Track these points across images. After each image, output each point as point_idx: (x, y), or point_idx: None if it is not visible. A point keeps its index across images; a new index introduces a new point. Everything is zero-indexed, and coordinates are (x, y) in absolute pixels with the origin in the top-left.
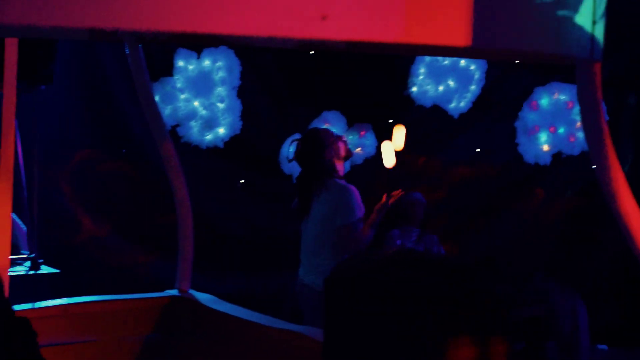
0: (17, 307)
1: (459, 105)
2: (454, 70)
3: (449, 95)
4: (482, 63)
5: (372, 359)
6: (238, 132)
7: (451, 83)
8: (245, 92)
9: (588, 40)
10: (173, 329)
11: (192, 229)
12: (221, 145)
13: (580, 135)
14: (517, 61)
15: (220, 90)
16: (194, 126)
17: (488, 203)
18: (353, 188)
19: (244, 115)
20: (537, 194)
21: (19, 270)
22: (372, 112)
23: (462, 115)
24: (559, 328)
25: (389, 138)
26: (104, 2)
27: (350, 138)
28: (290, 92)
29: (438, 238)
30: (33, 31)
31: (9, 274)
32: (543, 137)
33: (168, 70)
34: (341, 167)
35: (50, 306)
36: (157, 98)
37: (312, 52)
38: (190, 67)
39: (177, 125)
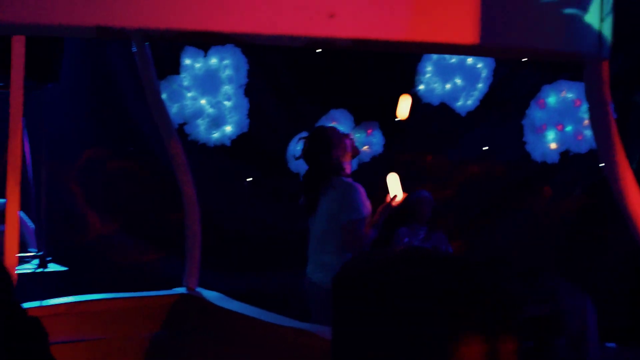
0: (24, 305)
1: (466, 103)
2: (461, 69)
3: (456, 93)
4: (490, 61)
5: (381, 356)
6: (245, 130)
7: (458, 81)
8: (253, 90)
9: (596, 38)
10: (181, 327)
11: (200, 226)
12: (228, 143)
13: (588, 133)
14: (525, 59)
15: (227, 88)
16: (201, 124)
17: (496, 201)
18: (359, 186)
19: (251, 114)
20: (545, 192)
21: (27, 268)
22: (379, 110)
23: (470, 114)
24: (567, 326)
25: (396, 135)
26: (111, 0)
27: (358, 136)
28: (298, 90)
29: (446, 236)
30: (40, 29)
31: (17, 271)
32: (551, 135)
33: (175, 68)
34: (348, 165)
35: (58, 304)
36: (164, 96)
37: (319, 51)
38: (197, 65)
39: (184, 124)
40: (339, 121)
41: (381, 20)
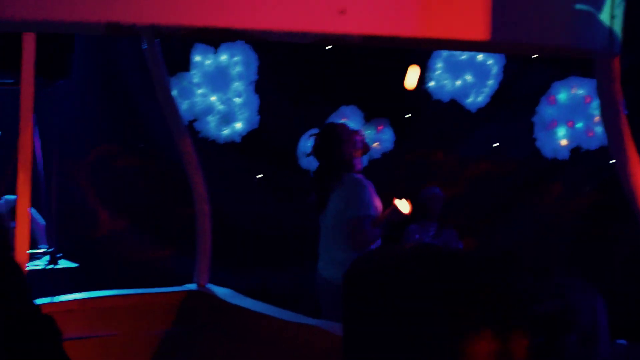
0: (35, 302)
1: (476, 100)
2: (472, 65)
3: (466, 90)
4: (500, 58)
5: (392, 352)
6: (255, 126)
7: (468, 78)
8: (263, 87)
9: (607, 34)
10: (192, 323)
11: (210, 223)
12: (238, 140)
13: (599, 129)
14: (535, 56)
15: (238, 85)
16: (211, 121)
17: (506, 198)
18: (368, 183)
19: (261, 110)
20: (556, 189)
21: (38, 264)
22: (390, 106)
23: (480, 110)
24: (578, 323)
25: (407, 132)
26: None
27: (368, 133)
28: (308, 87)
29: (456, 233)
30: (51, 26)
31: (28, 268)
32: (561, 131)
33: (185, 65)
34: (359, 161)
35: (68, 300)
36: (174, 93)
37: (329, 47)
38: (208, 62)
39: (195, 120)
40: (349, 118)
41: (392, 16)
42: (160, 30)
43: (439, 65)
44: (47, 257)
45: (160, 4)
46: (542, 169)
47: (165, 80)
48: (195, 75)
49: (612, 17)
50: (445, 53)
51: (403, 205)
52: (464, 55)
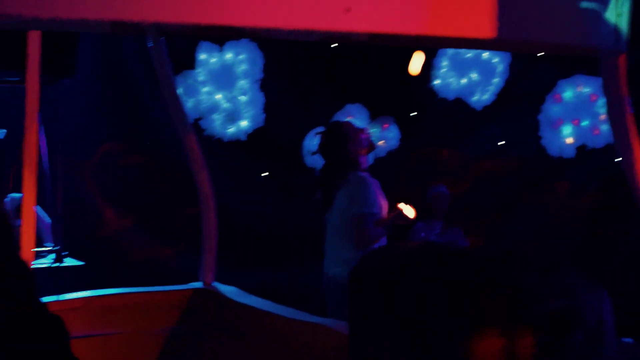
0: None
1: (482, 98)
2: (477, 63)
3: (472, 88)
4: (506, 56)
5: (398, 351)
6: (261, 125)
7: (474, 76)
8: (268, 85)
9: (612, 32)
10: (197, 321)
11: (216, 221)
12: (244, 138)
13: (605, 127)
14: (541, 54)
15: (243, 83)
16: (217, 119)
17: (512, 196)
18: (374, 181)
19: (267, 108)
20: (561, 187)
21: (43, 262)
22: (395, 104)
23: (486, 108)
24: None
25: (412, 130)
26: None
27: (373, 131)
28: (313, 85)
29: (462, 231)
30: (56, 24)
31: (34, 266)
32: (567, 130)
33: (190, 63)
34: (364, 159)
35: (74, 298)
36: (179, 91)
37: (334, 45)
38: (213, 60)
39: (200, 118)
40: (355, 116)
41: (397, 14)
42: (165, 28)
43: (444, 63)
44: (53, 255)
45: (166, 2)
46: (547, 167)
47: (171, 78)
48: (200, 74)
49: (618, 14)
50: (450, 51)
51: (408, 210)
52: (470, 54)
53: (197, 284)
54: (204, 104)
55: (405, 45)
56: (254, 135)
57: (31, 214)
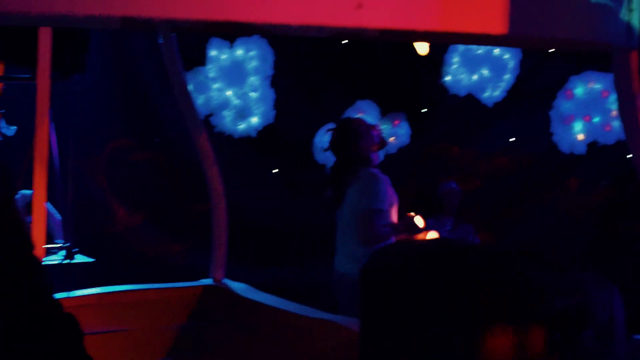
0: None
1: (493, 94)
2: (488, 59)
3: (483, 84)
4: (517, 52)
5: (409, 348)
6: (271, 121)
7: (485, 72)
8: (279, 81)
9: (624, 28)
10: (208, 318)
11: (226, 218)
12: (254, 134)
13: (616, 124)
14: (552, 50)
15: (253, 79)
16: (227, 115)
17: (523, 192)
18: (384, 177)
19: (277, 105)
20: (573, 184)
21: (54, 259)
22: (406, 101)
23: (497, 105)
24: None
25: (423, 126)
26: None
27: (384, 127)
28: (324, 81)
29: (473, 227)
30: (66, 20)
31: (44, 263)
32: (578, 126)
33: (201, 59)
34: (376, 156)
35: (84, 295)
36: (190, 87)
37: (345, 41)
38: (223, 56)
39: (210, 115)
40: (366, 112)
41: (409, 10)
42: (176, 24)
43: (455, 60)
44: (64, 252)
45: None
46: (558, 164)
47: (181, 74)
48: (211, 70)
49: (630, 10)
50: (461, 47)
51: (418, 220)
52: (481, 50)
53: (208, 281)
54: (214, 100)
55: (417, 42)
56: (265, 131)
57: (42, 211)
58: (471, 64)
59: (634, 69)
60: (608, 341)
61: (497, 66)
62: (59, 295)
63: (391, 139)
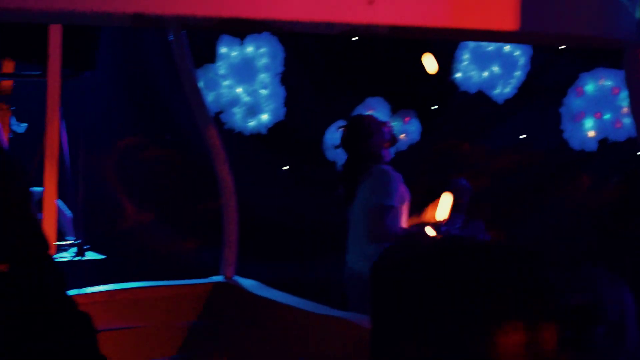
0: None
1: (503, 91)
2: (499, 56)
3: (493, 81)
4: (527, 49)
5: (420, 345)
6: (281, 118)
7: (496, 69)
8: (289, 78)
9: (635, 24)
10: (218, 315)
11: (237, 215)
12: (264, 131)
13: (627, 121)
14: (563, 47)
15: (264, 76)
16: (237, 112)
17: (533, 189)
18: (396, 174)
19: (288, 102)
20: (583, 181)
21: (65, 256)
22: (417, 98)
23: (507, 102)
24: (606, 315)
25: (433, 123)
26: None
27: (395, 124)
28: (334, 78)
29: (484, 224)
30: (77, 17)
31: (55, 260)
32: (589, 123)
33: (211, 56)
34: (387, 153)
35: (95, 292)
36: (200, 84)
37: (355, 38)
38: (234, 53)
39: (221, 112)
40: (376, 109)
41: (420, 6)
42: (186, 22)
43: (466, 57)
44: (75, 249)
45: None
46: (569, 161)
47: (192, 71)
48: (221, 67)
49: None
50: (472, 44)
51: (429, 231)
52: (491, 47)
53: (218, 278)
54: (224, 97)
55: (428, 39)
56: (275, 129)
57: (52, 208)
58: (482, 60)
59: None
60: (620, 338)
61: (508, 63)
62: (70, 293)
63: (402, 136)
